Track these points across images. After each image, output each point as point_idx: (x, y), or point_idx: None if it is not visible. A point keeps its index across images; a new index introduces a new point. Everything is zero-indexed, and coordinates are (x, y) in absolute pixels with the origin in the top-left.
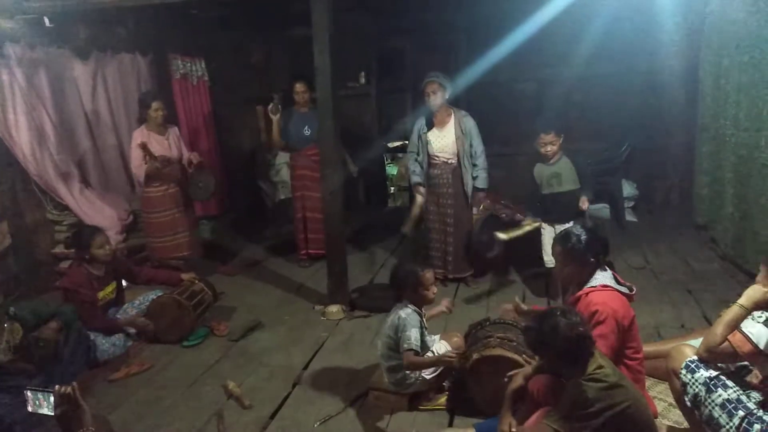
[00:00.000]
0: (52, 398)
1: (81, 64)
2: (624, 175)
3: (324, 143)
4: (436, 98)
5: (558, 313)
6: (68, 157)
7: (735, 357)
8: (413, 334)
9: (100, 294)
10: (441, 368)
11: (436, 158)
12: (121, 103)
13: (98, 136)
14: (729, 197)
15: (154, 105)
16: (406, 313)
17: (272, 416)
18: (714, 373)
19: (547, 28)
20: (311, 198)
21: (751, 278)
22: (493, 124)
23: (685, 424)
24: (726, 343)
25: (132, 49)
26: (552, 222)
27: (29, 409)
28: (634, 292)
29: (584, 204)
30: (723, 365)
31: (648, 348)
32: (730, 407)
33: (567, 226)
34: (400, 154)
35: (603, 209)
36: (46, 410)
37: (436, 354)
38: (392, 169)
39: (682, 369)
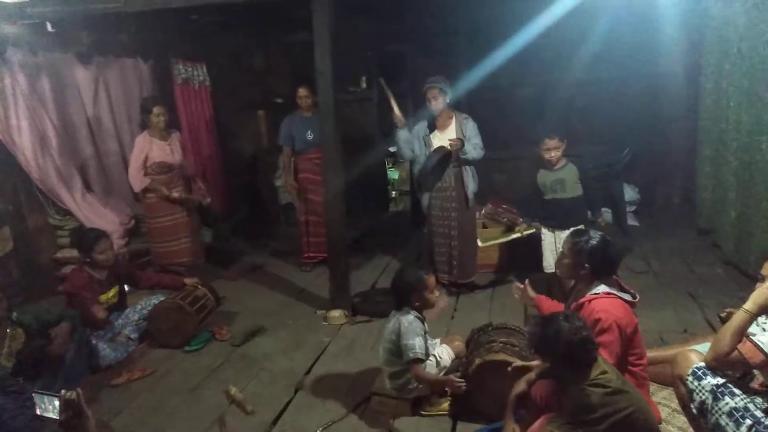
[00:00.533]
0: (57, 402)
1: (83, 69)
2: (625, 179)
3: (326, 147)
4: (438, 103)
5: (561, 317)
6: (70, 161)
7: (745, 366)
8: (418, 342)
9: (102, 298)
10: (443, 372)
11: None
12: (123, 108)
13: (100, 140)
14: (731, 201)
15: (156, 110)
16: (409, 320)
17: (274, 422)
18: (721, 381)
19: (548, 32)
20: (314, 202)
21: (753, 282)
22: (495, 128)
23: (690, 431)
24: (735, 352)
25: (134, 54)
26: (554, 228)
27: (37, 412)
28: (637, 300)
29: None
30: (729, 372)
31: (651, 353)
32: (737, 416)
33: (567, 233)
34: (401, 159)
35: (605, 213)
36: (52, 414)
37: (438, 358)
38: (393, 174)
39: (688, 376)
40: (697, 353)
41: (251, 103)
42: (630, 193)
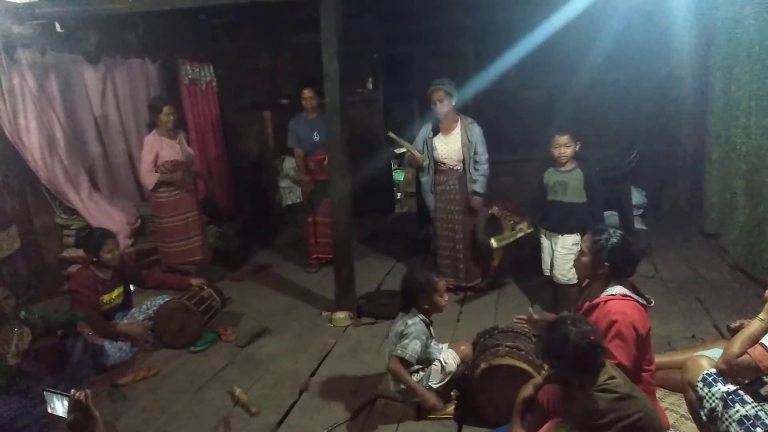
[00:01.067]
0: (66, 402)
1: (91, 69)
2: (633, 182)
3: (332, 148)
4: (443, 106)
5: (569, 321)
6: (78, 161)
7: (755, 371)
8: (413, 346)
9: (106, 298)
10: (448, 377)
11: (442, 164)
12: (131, 108)
13: (107, 140)
14: (740, 206)
15: (166, 110)
16: (414, 321)
17: (279, 423)
18: (732, 388)
19: (556, 34)
20: (321, 203)
21: (761, 286)
22: (502, 130)
23: None
24: (746, 356)
25: (141, 55)
26: (549, 229)
27: (48, 410)
28: (652, 304)
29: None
30: (741, 379)
31: (659, 358)
32: (747, 424)
33: (563, 237)
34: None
35: (612, 217)
36: (62, 413)
37: (443, 362)
38: (399, 175)
39: (698, 382)
40: (707, 359)
41: (257, 103)
42: (637, 196)
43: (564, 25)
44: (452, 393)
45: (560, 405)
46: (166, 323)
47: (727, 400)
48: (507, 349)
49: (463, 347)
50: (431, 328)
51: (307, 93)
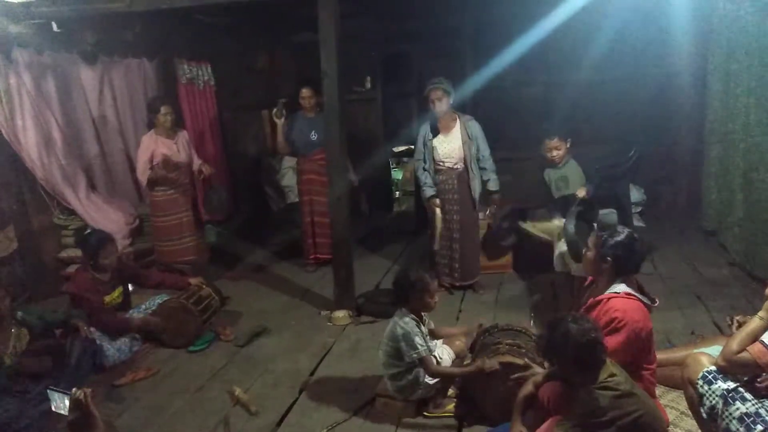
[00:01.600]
0: (68, 400)
1: (88, 68)
2: (631, 179)
3: (331, 148)
4: (441, 105)
5: (569, 319)
6: (75, 161)
7: (754, 368)
8: (418, 340)
9: (107, 299)
10: None
11: (442, 164)
12: (128, 108)
13: (105, 140)
14: (738, 203)
15: (163, 109)
16: (404, 321)
17: (279, 423)
18: (732, 385)
19: (554, 32)
20: (319, 203)
21: (759, 283)
22: (500, 128)
23: None
24: (745, 353)
25: (139, 54)
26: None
27: (52, 407)
28: (656, 304)
29: (581, 192)
30: (740, 375)
31: (659, 355)
32: (748, 421)
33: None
34: (405, 159)
35: (611, 214)
36: (64, 411)
37: (438, 358)
38: (398, 174)
39: (698, 379)
40: (707, 356)
41: (255, 103)
42: (636, 194)
43: (562, 23)
44: (452, 391)
45: (561, 403)
46: (165, 323)
47: (728, 398)
48: (507, 347)
49: (457, 342)
50: (423, 326)
51: (305, 92)
